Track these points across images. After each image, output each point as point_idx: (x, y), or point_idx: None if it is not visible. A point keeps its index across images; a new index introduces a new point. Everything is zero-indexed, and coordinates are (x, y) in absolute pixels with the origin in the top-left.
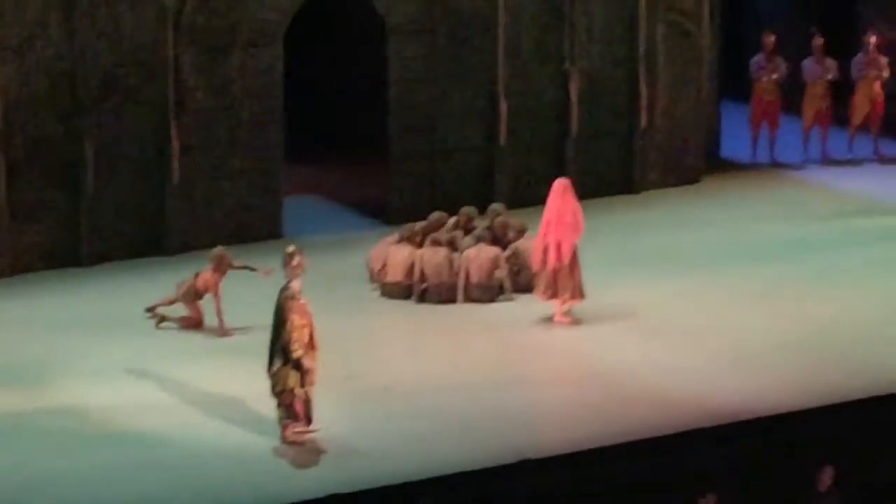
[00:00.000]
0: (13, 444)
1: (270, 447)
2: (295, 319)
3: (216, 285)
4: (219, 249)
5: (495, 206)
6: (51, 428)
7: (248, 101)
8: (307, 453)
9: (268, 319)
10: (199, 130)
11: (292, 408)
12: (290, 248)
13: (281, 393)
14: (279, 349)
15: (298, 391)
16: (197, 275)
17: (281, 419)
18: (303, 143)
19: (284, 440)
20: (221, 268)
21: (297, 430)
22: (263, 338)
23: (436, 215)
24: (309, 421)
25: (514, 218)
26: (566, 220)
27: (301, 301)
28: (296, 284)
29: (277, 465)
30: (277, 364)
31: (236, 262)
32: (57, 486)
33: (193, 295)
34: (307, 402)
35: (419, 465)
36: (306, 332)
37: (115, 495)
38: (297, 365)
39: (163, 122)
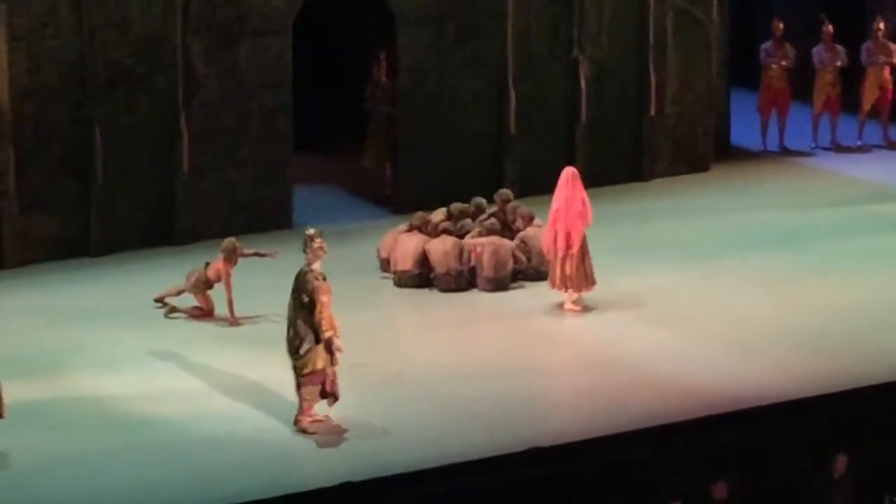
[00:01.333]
0: (27, 430)
1: (284, 434)
2: (325, 300)
3: (228, 275)
4: (230, 240)
5: (503, 192)
6: (63, 415)
7: (257, 91)
8: (319, 441)
9: (277, 308)
10: (208, 120)
11: (323, 388)
12: (311, 231)
13: (310, 374)
14: (308, 330)
15: (329, 370)
16: (207, 265)
17: (303, 402)
18: (312, 132)
19: (299, 428)
20: (233, 258)
21: (316, 417)
22: (273, 326)
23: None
24: (336, 399)
25: (523, 206)
26: (575, 208)
27: (326, 282)
28: (318, 266)
29: (290, 453)
30: (308, 345)
31: (246, 250)
32: (69, 470)
33: (204, 285)
34: (334, 382)
35: (430, 452)
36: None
37: (127, 480)
38: (328, 345)
39: (172, 111)
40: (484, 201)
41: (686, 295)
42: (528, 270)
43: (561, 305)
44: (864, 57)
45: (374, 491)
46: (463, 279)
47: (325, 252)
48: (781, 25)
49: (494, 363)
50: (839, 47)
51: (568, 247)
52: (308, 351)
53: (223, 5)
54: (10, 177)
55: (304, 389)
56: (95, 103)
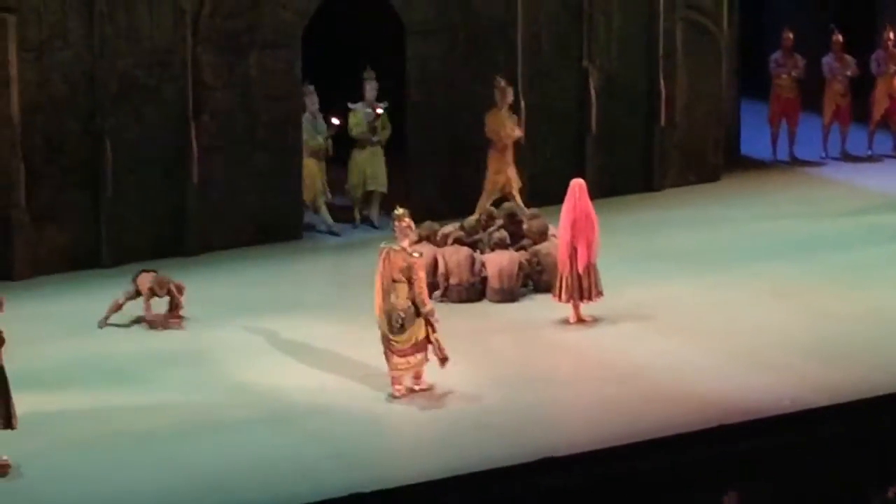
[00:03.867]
0: (38, 441)
1: (297, 443)
2: (422, 275)
3: (147, 294)
4: (178, 285)
5: (507, 206)
6: (74, 425)
7: (266, 102)
8: (322, 453)
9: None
10: (218, 131)
11: (425, 352)
12: (399, 211)
13: (412, 346)
14: (406, 304)
15: (433, 338)
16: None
17: (393, 373)
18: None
19: (399, 394)
20: (156, 290)
21: (401, 390)
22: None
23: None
24: (447, 360)
25: (540, 216)
26: (591, 219)
27: (421, 257)
28: (406, 244)
29: (295, 465)
30: (408, 320)
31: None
32: (80, 480)
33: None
34: (442, 347)
35: (440, 464)
36: None
37: (136, 492)
38: (429, 316)
39: (182, 122)
40: (495, 210)
41: (697, 305)
42: (539, 283)
43: (571, 317)
44: (874, 67)
45: (384, 502)
46: (475, 290)
47: (412, 230)
48: (791, 36)
49: (506, 374)
50: (849, 57)
51: (590, 258)
52: (409, 325)
53: (232, 17)
54: (21, 188)
55: (393, 360)
56: (105, 115)
